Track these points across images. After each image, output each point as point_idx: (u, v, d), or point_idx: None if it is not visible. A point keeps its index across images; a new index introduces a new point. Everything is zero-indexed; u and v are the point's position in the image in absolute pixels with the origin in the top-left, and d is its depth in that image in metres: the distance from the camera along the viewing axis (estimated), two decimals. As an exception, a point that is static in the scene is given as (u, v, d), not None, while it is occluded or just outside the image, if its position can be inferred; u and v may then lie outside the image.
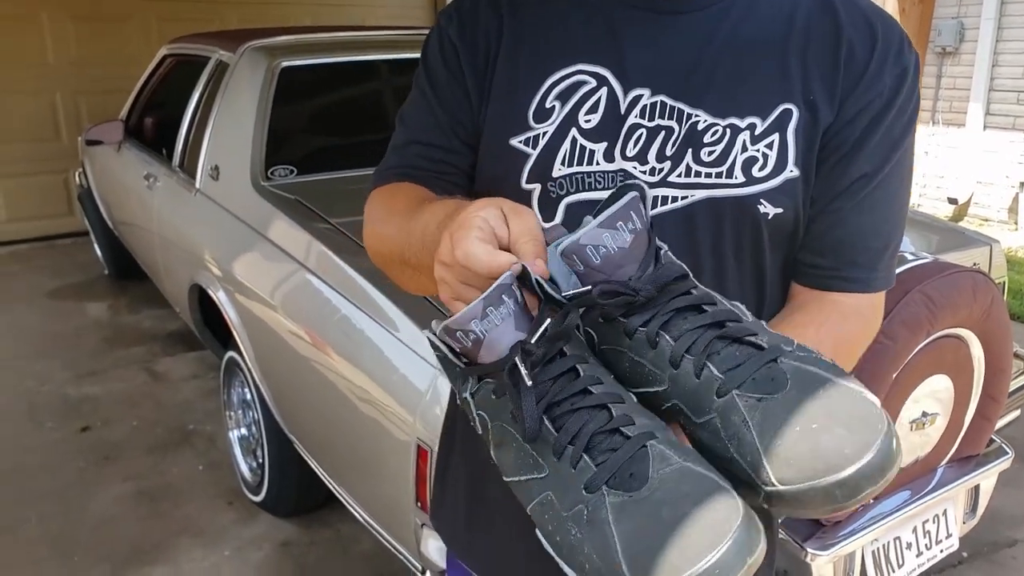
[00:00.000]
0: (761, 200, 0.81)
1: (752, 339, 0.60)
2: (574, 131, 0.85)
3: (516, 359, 0.58)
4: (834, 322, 0.83)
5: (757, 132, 0.81)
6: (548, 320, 0.60)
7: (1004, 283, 2.29)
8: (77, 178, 5.33)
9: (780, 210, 0.82)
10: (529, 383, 0.58)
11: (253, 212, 2.52)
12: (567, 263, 0.62)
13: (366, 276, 1.94)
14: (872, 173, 0.83)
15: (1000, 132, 6.24)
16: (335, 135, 3.04)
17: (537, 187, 0.86)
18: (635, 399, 0.62)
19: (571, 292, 0.61)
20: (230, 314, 2.51)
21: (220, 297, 2.57)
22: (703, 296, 0.64)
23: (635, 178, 0.82)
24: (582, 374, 0.61)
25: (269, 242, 2.36)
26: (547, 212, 0.85)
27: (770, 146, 0.81)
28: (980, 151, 6.34)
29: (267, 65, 2.82)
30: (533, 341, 0.59)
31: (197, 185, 2.95)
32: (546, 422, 0.59)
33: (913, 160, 0.88)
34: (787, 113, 0.81)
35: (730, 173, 0.81)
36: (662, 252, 0.65)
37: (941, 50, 6.37)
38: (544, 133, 0.86)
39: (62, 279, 5.21)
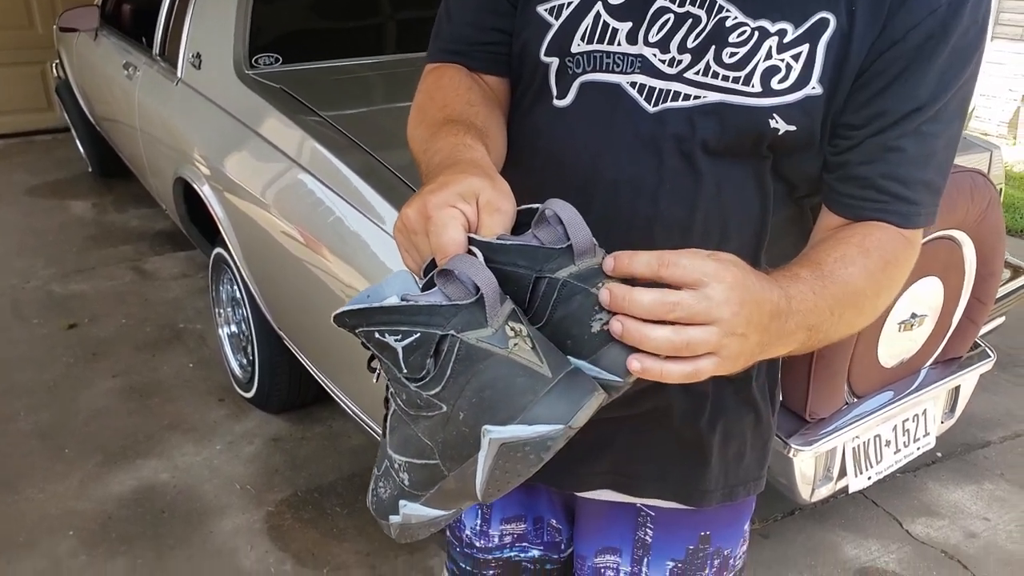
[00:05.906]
0: (774, 114, 0.76)
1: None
2: (599, 5, 0.81)
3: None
4: (876, 238, 0.77)
5: (786, 40, 0.75)
6: None
7: (1000, 192, 2.28)
8: (54, 69, 5.15)
9: (793, 128, 0.76)
10: None
11: (238, 102, 2.45)
12: None
13: (355, 170, 1.90)
14: (924, 107, 0.76)
15: (1007, 43, 6.11)
16: (322, 22, 2.93)
17: (555, 61, 0.83)
18: None
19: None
20: (216, 209, 2.47)
21: (205, 191, 2.52)
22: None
23: (652, 67, 0.79)
24: None
25: (254, 133, 2.30)
26: (562, 88, 0.83)
27: (796, 57, 0.75)
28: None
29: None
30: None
31: (179, 74, 2.85)
32: None
33: (971, 96, 0.82)
34: (823, 22, 0.75)
35: (748, 80, 0.76)
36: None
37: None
38: (569, 3, 0.82)
39: (42, 176, 5.11)
